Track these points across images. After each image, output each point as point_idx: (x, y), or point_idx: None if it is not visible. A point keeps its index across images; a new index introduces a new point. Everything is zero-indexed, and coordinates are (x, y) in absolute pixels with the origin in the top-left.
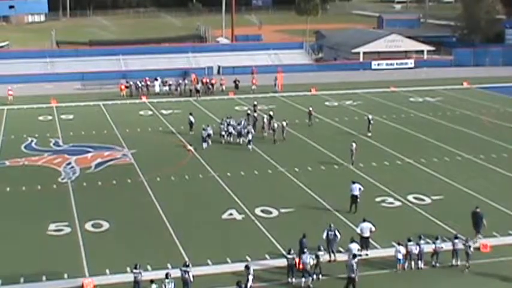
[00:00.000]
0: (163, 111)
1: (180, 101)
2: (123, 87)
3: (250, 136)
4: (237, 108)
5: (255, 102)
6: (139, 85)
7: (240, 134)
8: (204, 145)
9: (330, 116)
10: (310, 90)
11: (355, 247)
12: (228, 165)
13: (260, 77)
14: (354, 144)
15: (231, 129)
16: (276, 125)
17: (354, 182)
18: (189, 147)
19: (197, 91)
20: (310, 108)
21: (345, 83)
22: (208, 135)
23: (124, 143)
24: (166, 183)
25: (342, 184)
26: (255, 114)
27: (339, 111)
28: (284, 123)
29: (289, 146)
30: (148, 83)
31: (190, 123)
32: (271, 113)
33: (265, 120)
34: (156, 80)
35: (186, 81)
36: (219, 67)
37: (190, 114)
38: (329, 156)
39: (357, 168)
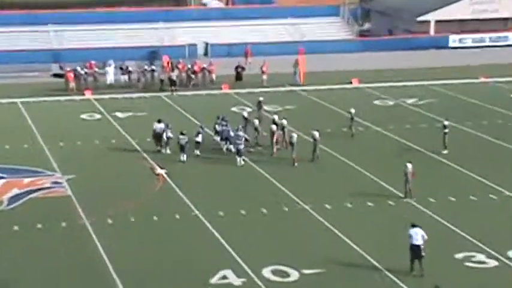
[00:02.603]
0: (119, 114)
1: (145, 97)
2: (71, 75)
3: (241, 145)
4: (234, 109)
5: (261, 98)
6: (81, 73)
7: (226, 139)
8: (182, 157)
9: (381, 122)
10: (351, 82)
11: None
12: (219, 198)
13: (272, 62)
14: (410, 166)
15: (227, 133)
16: (294, 137)
17: (413, 226)
18: (159, 170)
19: (172, 83)
20: (352, 111)
21: (406, 70)
22: (186, 142)
23: (56, 164)
24: (123, 228)
25: (398, 228)
26: (255, 122)
27: (396, 115)
28: (316, 134)
29: (317, 168)
30: (96, 69)
31: (157, 136)
32: (284, 121)
33: (273, 128)
34: (109, 65)
35: (155, 68)
36: (206, 45)
37: (159, 121)
38: (379, 185)
39: (421, 203)
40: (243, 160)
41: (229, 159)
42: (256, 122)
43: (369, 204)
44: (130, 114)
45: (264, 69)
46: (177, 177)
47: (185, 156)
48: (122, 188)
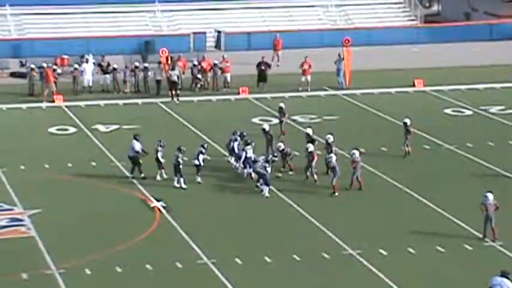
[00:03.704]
0: (100, 127)
1: (137, 104)
2: (50, 72)
3: (268, 168)
4: (254, 120)
5: (282, 104)
6: (59, 72)
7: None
8: (177, 182)
9: (455, 137)
10: (414, 84)
11: None
12: (236, 240)
13: (309, 56)
14: (491, 197)
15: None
16: (333, 158)
17: (503, 275)
18: (155, 202)
19: (172, 85)
20: (407, 122)
21: (490, 67)
22: (179, 162)
23: (16, 194)
24: (106, 281)
25: (478, 282)
26: (280, 146)
27: (476, 129)
28: (356, 154)
29: (366, 200)
30: (76, 66)
31: (134, 158)
32: (330, 137)
33: (310, 148)
34: (86, 60)
35: (148, 65)
36: (218, 34)
37: (135, 138)
38: (451, 223)
39: (509, 247)
40: (265, 190)
41: (248, 187)
42: (281, 146)
43: (438, 248)
44: (115, 127)
45: (306, 66)
46: (178, 211)
47: (182, 180)
48: (104, 227)
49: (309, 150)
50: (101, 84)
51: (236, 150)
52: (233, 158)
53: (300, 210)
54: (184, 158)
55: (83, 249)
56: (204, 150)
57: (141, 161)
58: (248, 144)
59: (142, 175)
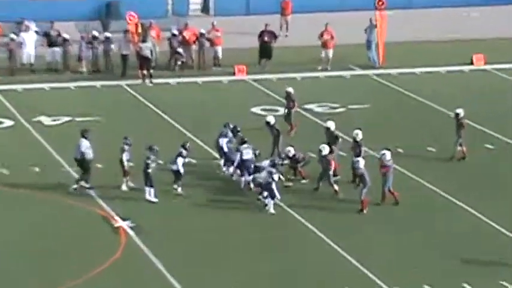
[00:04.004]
0: (45, 120)
1: (95, 88)
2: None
3: (275, 175)
4: (254, 110)
5: (290, 89)
6: None
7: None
8: (148, 194)
9: None
10: (472, 62)
11: None
12: (230, 272)
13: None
14: None
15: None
16: (361, 164)
17: None
18: (120, 221)
19: (143, 62)
20: (460, 112)
21: None
22: (148, 166)
23: None
24: None
25: None
26: (290, 150)
27: None
28: (387, 156)
29: (403, 218)
30: (13, 36)
31: (81, 161)
32: (358, 132)
33: (324, 151)
34: (26, 28)
35: (110, 35)
36: None
37: (83, 135)
38: None
39: None
40: (270, 204)
41: (246, 200)
42: (291, 150)
43: (503, 284)
44: (66, 119)
45: (327, 37)
46: (151, 233)
47: (153, 192)
48: (52, 255)
49: (323, 153)
50: (47, 60)
51: (225, 149)
52: (222, 161)
53: (316, 231)
54: (159, 161)
55: (24, 285)
56: (185, 152)
57: (90, 166)
58: (244, 142)
59: (84, 185)
